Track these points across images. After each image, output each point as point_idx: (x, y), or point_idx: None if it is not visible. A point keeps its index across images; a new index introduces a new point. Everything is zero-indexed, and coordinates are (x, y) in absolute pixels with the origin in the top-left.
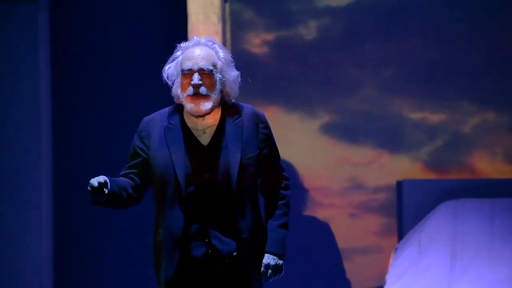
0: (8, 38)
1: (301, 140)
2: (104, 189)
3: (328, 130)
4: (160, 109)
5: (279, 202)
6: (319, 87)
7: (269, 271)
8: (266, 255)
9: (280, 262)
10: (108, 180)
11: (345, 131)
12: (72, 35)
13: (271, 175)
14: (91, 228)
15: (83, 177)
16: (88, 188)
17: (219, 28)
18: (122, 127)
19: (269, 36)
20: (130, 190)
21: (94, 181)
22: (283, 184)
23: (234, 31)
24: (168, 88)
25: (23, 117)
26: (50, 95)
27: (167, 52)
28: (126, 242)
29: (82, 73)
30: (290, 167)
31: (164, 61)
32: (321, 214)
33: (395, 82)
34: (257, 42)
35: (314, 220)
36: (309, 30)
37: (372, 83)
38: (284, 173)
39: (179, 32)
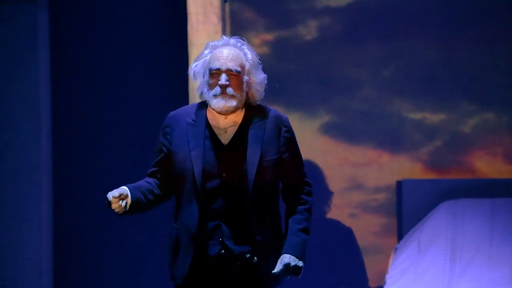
0: (7, 38)
1: (301, 140)
2: (121, 201)
3: (328, 130)
4: (159, 108)
5: (301, 207)
6: (319, 87)
7: (287, 270)
8: (286, 255)
9: (301, 263)
10: (127, 192)
11: (345, 131)
12: (72, 34)
13: (292, 180)
14: (91, 228)
15: (83, 177)
16: (105, 202)
17: (219, 28)
18: (122, 127)
19: (269, 36)
20: (157, 191)
21: (109, 195)
22: (305, 190)
23: (234, 31)
24: (167, 88)
25: (23, 117)
26: (50, 95)
27: (167, 52)
28: (126, 242)
29: (81, 73)
30: None
31: (163, 61)
32: (321, 214)
33: (395, 82)
34: (257, 42)
35: (313, 220)
36: (309, 30)
37: (372, 83)
38: (306, 179)
39: (178, 32)
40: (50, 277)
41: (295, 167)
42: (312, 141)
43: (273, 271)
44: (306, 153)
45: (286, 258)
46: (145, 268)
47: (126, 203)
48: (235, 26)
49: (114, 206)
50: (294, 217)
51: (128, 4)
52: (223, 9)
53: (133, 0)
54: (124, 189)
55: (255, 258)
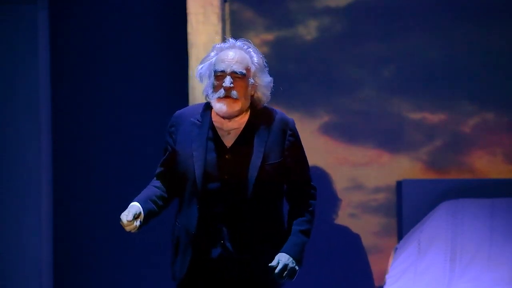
0: (7, 38)
1: (301, 140)
2: (135, 221)
3: (328, 130)
4: (159, 108)
5: (304, 210)
6: (319, 87)
7: (284, 270)
8: (284, 255)
9: (297, 267)
10: (140, 209)
11: (345, 131)
12: (72, 34)
13: (296, 183)
14: (91, 228)
15: (83, 177)
16: (120, 222)
17: (219, 28)
18: (122, 127)
19: (269, 36)
20: (166, 195)
21: (124, 218)
22: (309, 192)
23: (234, 31)
24: (167, 87)
25: (23, 117)
26: (49, 95)
27: (167, 52)
28: (126, 242)
29: (81, 72)
30: None
31: (163, 61)
32: (321, 214)
33: (395, 82)
34: (257, 42)
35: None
36: (309, 30)
37: (372, 83)
38: (312, 183)
39: (178, 32)
40: (50, 277)
41: (299, 170)
42: (312, 141)
43: (269, 264)
44: (306, 153)
45: (284, 258)
46: (145, 268)
47: (140, 221)
48: (235, 26)
49: (128, 228)
50: (296, 219)
51: (128, 4)
52: (223, 9)
53: (133, 0)
54: (137, 207)
55: (248, 257)
